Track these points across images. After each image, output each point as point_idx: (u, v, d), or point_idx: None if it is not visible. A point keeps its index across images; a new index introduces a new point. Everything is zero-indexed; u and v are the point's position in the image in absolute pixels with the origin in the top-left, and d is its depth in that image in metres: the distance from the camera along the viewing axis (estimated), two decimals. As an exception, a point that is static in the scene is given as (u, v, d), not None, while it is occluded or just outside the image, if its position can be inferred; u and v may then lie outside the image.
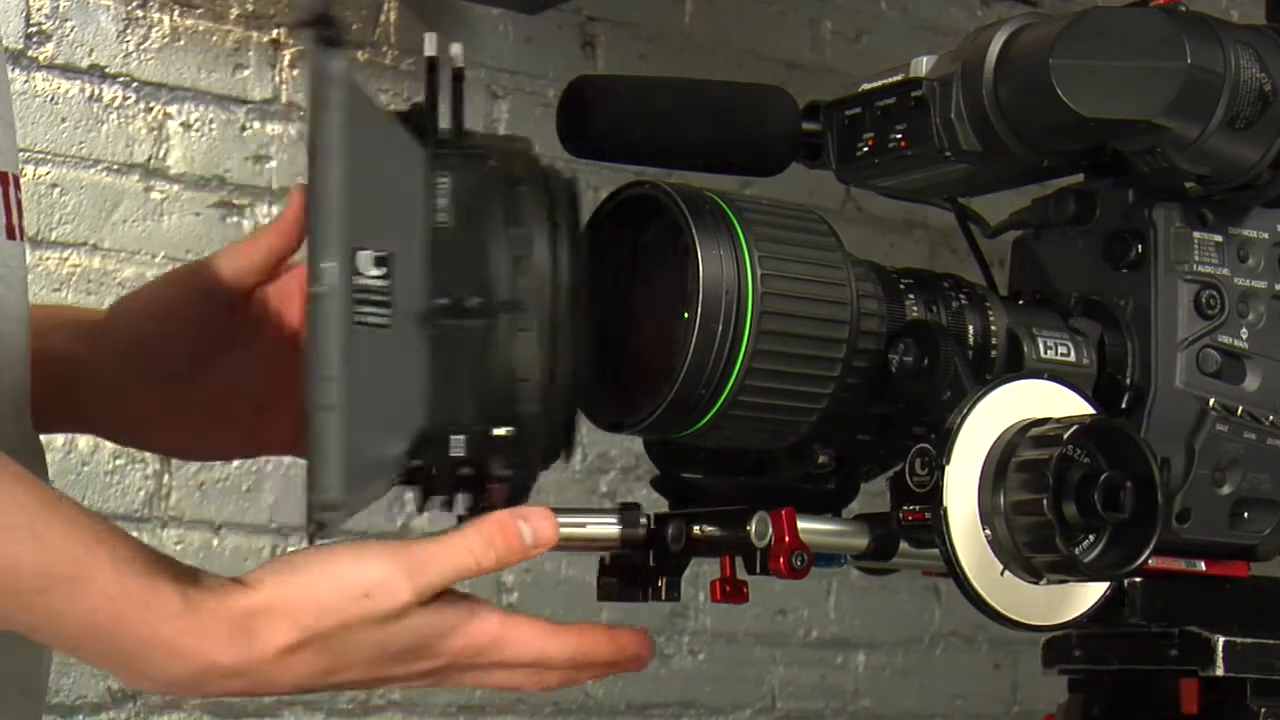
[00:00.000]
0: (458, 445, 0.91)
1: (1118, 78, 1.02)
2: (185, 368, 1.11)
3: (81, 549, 0.89)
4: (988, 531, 0.96)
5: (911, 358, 1.01)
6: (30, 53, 2.03)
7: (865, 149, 1.10)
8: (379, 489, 0.92)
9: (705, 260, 0.95)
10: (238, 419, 1.13)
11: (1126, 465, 0.96)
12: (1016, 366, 1.05)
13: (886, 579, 1.27)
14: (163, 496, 2.09)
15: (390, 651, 0.93)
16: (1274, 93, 1.05)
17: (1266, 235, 1.11)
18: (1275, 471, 1.09)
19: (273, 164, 2.17)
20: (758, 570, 0.99)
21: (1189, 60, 1.02)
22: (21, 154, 1.53)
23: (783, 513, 0.99)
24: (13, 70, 1.99)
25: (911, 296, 1.04)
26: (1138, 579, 1.07)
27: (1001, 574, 0.96)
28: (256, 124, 2.17)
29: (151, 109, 2.11)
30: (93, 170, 2.07)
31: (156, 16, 2.12)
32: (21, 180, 1.08)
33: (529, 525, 0.94)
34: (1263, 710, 1.10)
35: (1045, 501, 0.94)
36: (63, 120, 2.06)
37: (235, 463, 2.13)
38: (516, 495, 0.95)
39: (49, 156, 2.04)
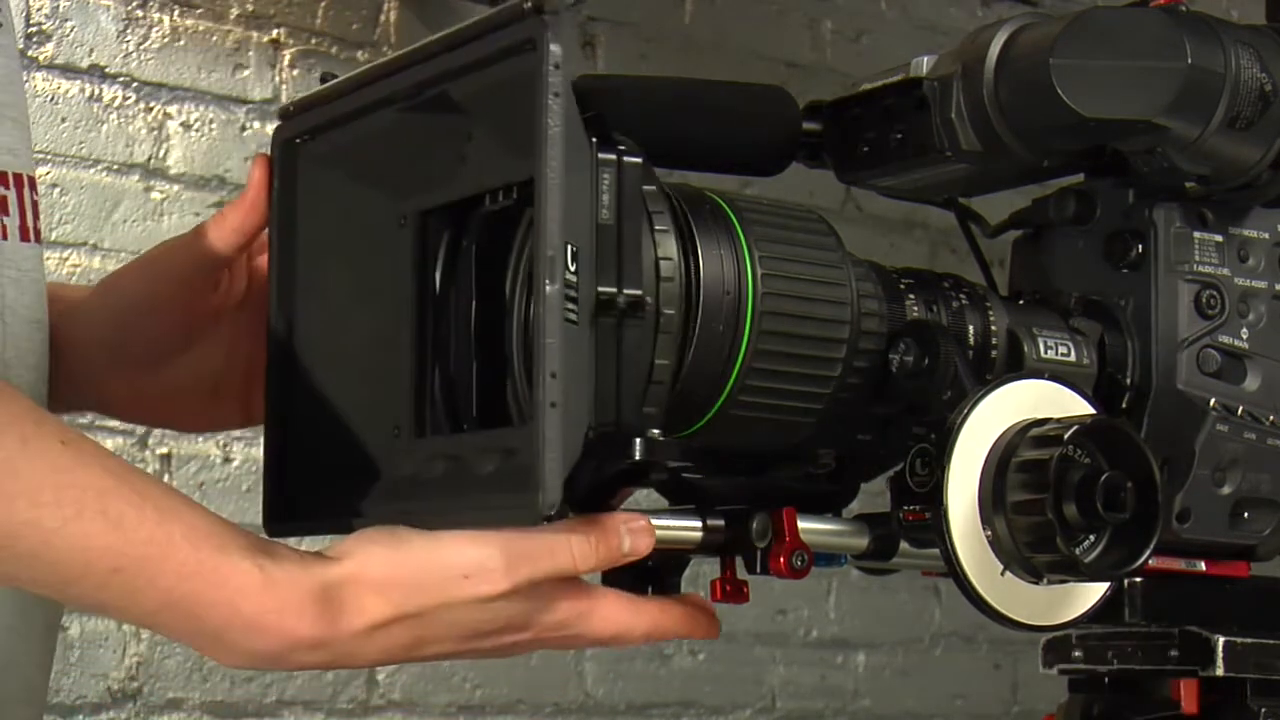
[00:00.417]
0: (641, 448, 0.91)
1: (1118, 78, 1.02)
2: (170, 346, 1.11)
3: (153, 526, 0.89)
4: (988, 531, 0.96)
5: (912, 358, 1.01)
6: (30, 53, 2.03)
7: (865, 149, 1.10)
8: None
9: (705, 260, 0.96)
10: (229, 391, 1.13)
11: (1127, 465, 0.96)
12: (1017, 366, 1.05)
13: (886, 579, 1.27)
14: (163, 496, 2.09)
15: (479, 631, 0.93)
16: (1274, 93, 1.05)
17: (1267, 235, 1.11)
18: (1275, 471, 1.09)
19: (273, 164, 2.17)
20: (758, 570, 0.99)
21: (1189, 60, 1.02)
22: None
23: (783, 512, 0.99)
24: (13, 70, 1.99)
25: (912, 296, 1.04)
26: (1138, 579, 1.07)
27: (1001, 574, 0.96)
28: (256, 124, 2.17)
29: (151, 109, 2.11)
30: (93, 170, 2.07)
31: (156, 16, 2.12)
32: (31, 182, 1.08)
33: (630, 535, 0.94)
34: (1263, 710, 1.10)
35: (1046, 501, 0.94)
36: (63, 120, 2.06)
37: (235, 462, 2.13)
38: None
39: (49, 156, 2.04)
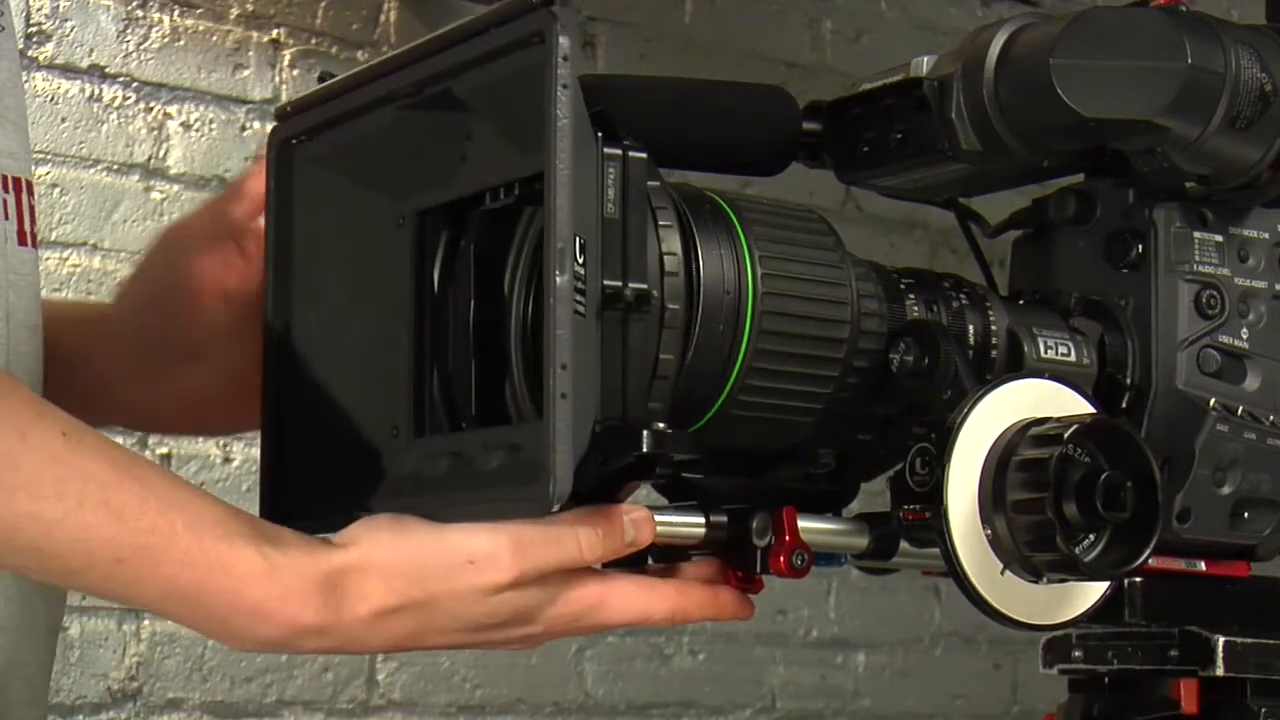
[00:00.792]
0: (648, 441, 0.91)
1: (1118, 78, 1.02)
2: (194, 349, 1.11)
3: (155, 516, 0.89)
4: (988, 531, 0.96)
5: (912, 357, 1.01)
6: (30, 53, 2.03)
7: (865, 149, 1.10)
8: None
9: (706, 260, 0.96)
10: (252, 389, 1.13)
11: (1127, 465, 0.96)
12: (1017, 366, 1.05)
13: (886, 579, 1.27)
14: (163, 496, 2.08)
15: (486, 623, 0.93)
16: (1274, 93, 1.05)
17: (1267, 235, 1.11)
18: (1275, 471, 1.09)
19: (273, 164, 2.17)
20: (758, 570, 0.99)
21: (1189, 60, 1.02)
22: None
23: (783, 512, 0.99)
24: (13, 70, 1.99)
25: (912, 296, 1.04)
26: (1138, 579, 1.07)
27: (1001, 573, 0.96)
28: (256, 124, 2.17)
29: (151, 109, 2.11)
30: (93, 170, 2.07)
31: (156, 16, 2.12)
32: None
33: (634, 526, 0.94)
34: (1263, 710, 1.10)
35: (1046, 501, 0.94)
36: (63, 120, 2.06)
37: (235, 462, 2.13)
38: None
39: (49, 156, 2.04)
